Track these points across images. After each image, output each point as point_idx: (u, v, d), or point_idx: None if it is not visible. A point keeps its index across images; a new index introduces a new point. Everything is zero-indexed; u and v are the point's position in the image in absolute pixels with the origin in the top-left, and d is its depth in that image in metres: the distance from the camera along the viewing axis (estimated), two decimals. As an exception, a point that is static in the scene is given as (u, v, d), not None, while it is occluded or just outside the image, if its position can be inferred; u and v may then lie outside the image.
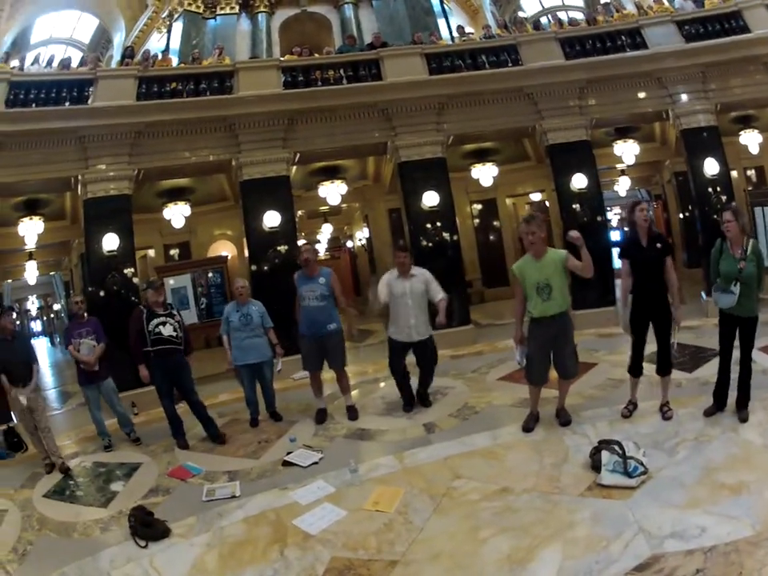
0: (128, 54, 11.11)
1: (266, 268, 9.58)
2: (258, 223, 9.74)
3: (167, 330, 6.75)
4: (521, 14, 16.79)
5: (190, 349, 7.10)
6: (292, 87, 10.02)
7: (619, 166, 13.33)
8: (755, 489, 4.11)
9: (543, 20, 15.35)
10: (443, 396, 7.36)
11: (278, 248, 9.62)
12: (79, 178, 9.21)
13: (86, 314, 7.45)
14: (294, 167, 10.29)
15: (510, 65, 10.45)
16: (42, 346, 23.79)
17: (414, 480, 5.10)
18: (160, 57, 10.95)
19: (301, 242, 10.18)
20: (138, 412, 8.44)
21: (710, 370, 6.48)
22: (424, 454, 5.67)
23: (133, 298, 9.03)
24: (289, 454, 6.17)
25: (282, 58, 10.51)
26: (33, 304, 26.86)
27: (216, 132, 9.76)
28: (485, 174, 12.35)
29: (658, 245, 5.55)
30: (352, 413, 7.07)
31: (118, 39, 16.87)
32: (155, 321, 6.75)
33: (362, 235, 15.73)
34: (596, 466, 4.54)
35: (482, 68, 10.40)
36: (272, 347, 7.29)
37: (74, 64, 10.61)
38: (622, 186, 14.35)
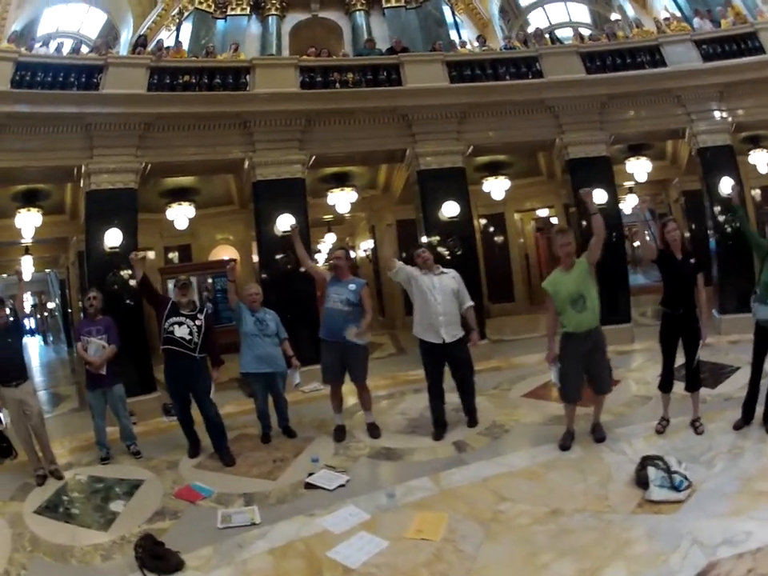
0: (140, 42, 10.35)
1: (277, 274, 8.71)
2: (270, 226, 8.96)
3: (180, 332, 6.02)
4: (531, 28, 16.12)
5: (215, 358, 6.28)
6: (309, 88, 9.32)
7: (626, 184, 12.79)
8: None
9: (560, 33, 14.84)
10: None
11: (291, 254, 8.68)
12: (83, 168, 8.34)
13: (99, 312, 6.58)
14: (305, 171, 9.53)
15: (530, 77, 9.94)
16: (33, 345, 22.79)
17: (456, 504, 4.54)
18: (173, 48, 10.17)
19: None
20: (137, 422, 7.54)
21: (731, 386, 6.63)
22: (460, 475, 5.10)
23: (129, 302, 8.17)
24: (311, 475, 5.43)
25: (300, 57, 9.71)
26: (26, 301, 25.68)
27: (229, 129, 8.97)
28: (497, 187, 11.70)
29: (692, 260, 5.40)
30: (374, 430, 6.37)
31: (126, 36, 15.98)
32: (172, 319, 6.07)
33: (366, 246, 14.94)
34: (642, 482, 4.37)
35: (503, 79, 9.90)
36: (287, 359, 6.53)
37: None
38: (628, 203, 13.73)
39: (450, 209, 9.34)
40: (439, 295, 5.98)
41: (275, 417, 6.72)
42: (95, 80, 8.51)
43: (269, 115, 8.95)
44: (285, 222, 8.64)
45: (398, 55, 10.06)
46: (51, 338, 23.01)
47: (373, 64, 9.89)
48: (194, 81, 8.97)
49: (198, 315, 6.17)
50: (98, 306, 6.56)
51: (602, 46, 10.52)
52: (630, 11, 16.70)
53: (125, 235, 8.21)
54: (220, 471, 5.92)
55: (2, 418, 5.91)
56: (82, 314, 7.39)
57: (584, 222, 9.27)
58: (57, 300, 20.48)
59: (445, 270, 6.23)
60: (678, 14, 12.99)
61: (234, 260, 7.09)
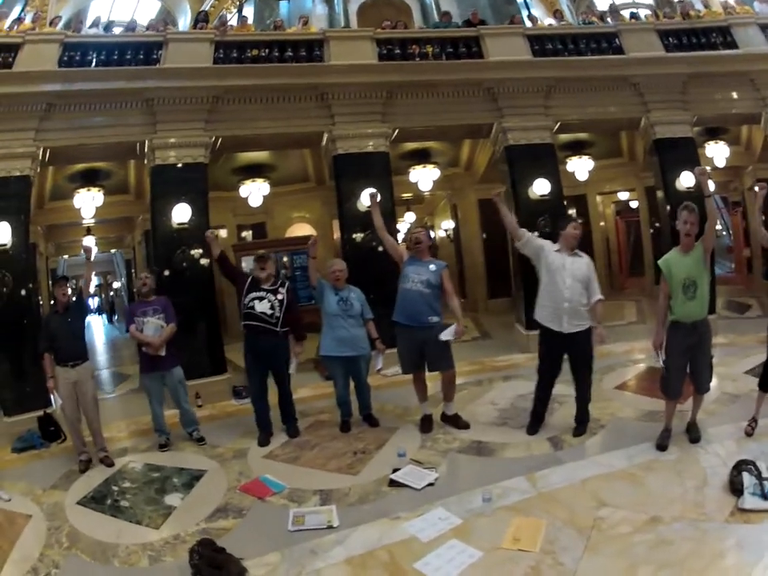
0: (201, 18, 9.63)
1: (360, 253, 8.09)
2: (352, 202, 8.30)
3: (261, 307, 5.65)
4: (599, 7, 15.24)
5: (299, 333, 5.93)
6: (387, 60, 8.63)
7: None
8: None
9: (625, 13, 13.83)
10: (560, 405, 5.84)
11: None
12: (146, 143, 7.81)
13: (153, 292, 6.05)
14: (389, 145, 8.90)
15: (611, 53, 9.28)
16: (98, 324, 22.86)
17: (554, 509, 3.98)
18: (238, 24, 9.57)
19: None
20: (202, 404, 7.03)
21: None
22: (558, 475, 4.51)
23: (199, 279, 7.60)
24: (396, 471, 4.79)
25: (376, 29, 9.00)
26: (93, 281, 25.83)
27: (305, 102, 8.30)
28: (581, 167, 10.98)
29: None
30: (457, 421, 5.75)
31: (183, 23, 15.34)
32: (253, 294, 5.71)
33: (447, 225, 14.27)
34: (736, 488, 3.98)
35: (585, 54, 9.22)
36: (371, 341, 5.88)
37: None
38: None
39: (540, 187, 8.58)
40: (569, 278, 5.10)
41: (356, 403, 6.08)
42: (155, 56, 7.96)
43: (348, 87, 8.30)
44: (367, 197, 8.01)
45: (477, 28, 9.29)
46: (116, 318, 23.02)
47: (452, 36, 9.16)
48: (263, 54, 8.32)
49: (280, 289, 5.78)
50: (152, 285, 6.06)
51: (678, 24, 9.92)
52: None
53: (194, 211, 7.64)
54: (293, 463, 5.30)
55: (54, 400, 5.49)
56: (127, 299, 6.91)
57: (668, 207, 8.94)
58: (122, 280, 20.39)
59: (579, 252, 5.30)
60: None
61: (314, 236, 6.41)
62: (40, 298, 7.22)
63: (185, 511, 4.49)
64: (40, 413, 6.30)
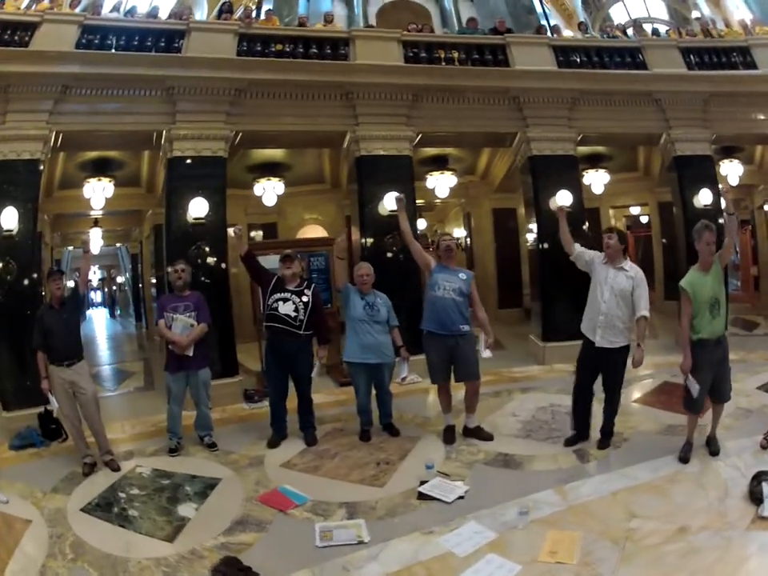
0: (225, 8, 9.27)
1: (382, 257, 7.71)
2: (374, 205, 8.00)
3: (285, 308, 5.39)
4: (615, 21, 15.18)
5: (323, 336, 5.64)
6: (413, 63, 8.36)
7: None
8: None
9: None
10: None
11: (398, 235, 7.71)
12: (164, 133, 7.45)
13: (187, 287, 5.69)
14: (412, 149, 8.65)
15: (634, 68, 9.12)
16: (100, 317, 22.37)
17: (587, 521, 3.89)
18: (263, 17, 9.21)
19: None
20: (212, 407, 6.58)
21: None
22: (587, 488, 4.41)
23: (213, 277, 7.22)
24: (423, 483, 4.52)
25: (403, 32, 8.68)
26: (94, 274, 25.45)
27: (330, 100, 8.00)
28: (597, 180, 10.75)
29: None
30: (480, 433, 5.52)
31: (199, 17, 14.80)
32: (277, 295, 5.46)
33: (458, 234, 13.92)
34: (756, 497, 4.05)
35: (609, 67, 9.05)
36: (395, 348, 5.64)
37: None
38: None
39: (563, 198, 8.30)
40: (607, 291, 4.95)
41: (374, 412, 5.80)
42: (176, 45, 7.59)
43: (374, 87, 8.02)
44: (392, 200, 7.68)
45: (504, 36, 9.03)
46: (119, 312, 22.57)
47: (478, 43, 8.90)
48: (287, 50, 7.97)
49: (305, 291, 5.53)
50: (187, 279, 5.66)
51: (700, 43, 9.85)
52: (706, 10, 16.45)
53: (212, 206, 7.28)
54: (313, 473, 4.97)
55: (53, 401, 5.10)
56: (167, 289, 6.47)
57: (685, 223, 8.77)
58: (127, 274, 19.92)
59: (627, 266, 5.05)
60: (750, 16, 12.59)
61: (343, 236, 6.06)
62: (43, 290, 6.73)
63: (200, 523, 4.13)
64: (40, 409, 5.88)
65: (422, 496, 4.35)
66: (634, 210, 13.74)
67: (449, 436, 5.47)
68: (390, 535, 3.79)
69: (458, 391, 5.63)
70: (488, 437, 5.46)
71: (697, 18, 13.37)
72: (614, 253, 4.99)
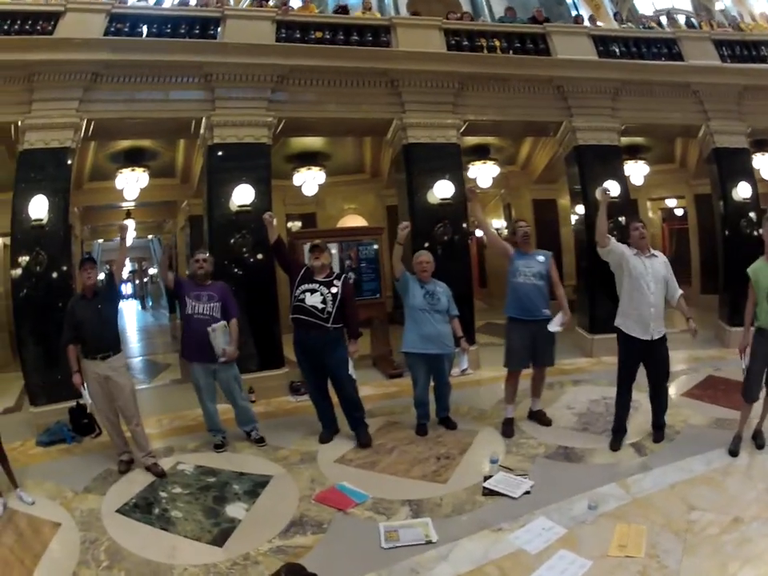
0: (260, -6, 8.87)
1: (432, 246, 7.27)
2: (423, 193, 7.64)
3: (312, 300, 5.03)
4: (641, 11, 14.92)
5: (352, 329, 5.21)
6: (456, 51, 8.02)
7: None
8: None
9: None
10: (635, 410, 5.29)
11: (448, 224, 7.54)
12: (203, 120, 7.13)
13: (209, 277, 5.29)
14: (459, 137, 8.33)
15: (671, 59, 8.84)
16: (131, 309, 22.09)
17: (651, 514, 3.76)
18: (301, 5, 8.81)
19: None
20: (256, 399, 6.34)
21: None
22: (648, 481, 4.25)
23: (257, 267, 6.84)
24: (487, 479, 4.31)
25: (444, 19, 8.37)
26: (125, 266, 25.24)
27: (374, 87, 7.66)
28: (636, 171, 10.37)
29: None
30: (542, 417, 5.52)
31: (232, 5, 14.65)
32: (304, 286, 5.10)
33: (497, 224, 13.59)
34: None
35: (645, 58, 8.74)
36: (455, 339, 5.33)
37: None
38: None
39: (611, 188, 7.76)
40: (652, 282, 4.75)
41: (435, 406, 5.53)
42: (211, 32, 7.26)
43: (419, 75, 7.67)
44: (442, 190, 7.50)
45: (544, 25, 8.70)
46: (150, 304, 22.32)
47: (519, 32, 8.56)
48: (327, 37, 7.63)
49: (335, 282, 5.15)
50: (209, 269, 5.28)
51: (731, 36, 9.67)
52: (728, 1, 16.39)
53: (257, 193, 6.96)
54: (371, 469, 4.65)
55: (85, 396, 4.66)
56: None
57: (724, 216, 8.68)
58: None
59: (655, 251, 4.93)
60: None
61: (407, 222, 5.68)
62: (74, 283, 6.38)
63: (252, 525, 3.81)
64: (71, 403, 5.54)
65: (488, 492, 4.14)
66: (670, 203, 13.38)
67: (508, 429, 5.26)
68: (458, 534, 3.57)
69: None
70: (548, 422, 5.43)
71: (721, 10, 12.94)
72: (647, 242, 4.87)
